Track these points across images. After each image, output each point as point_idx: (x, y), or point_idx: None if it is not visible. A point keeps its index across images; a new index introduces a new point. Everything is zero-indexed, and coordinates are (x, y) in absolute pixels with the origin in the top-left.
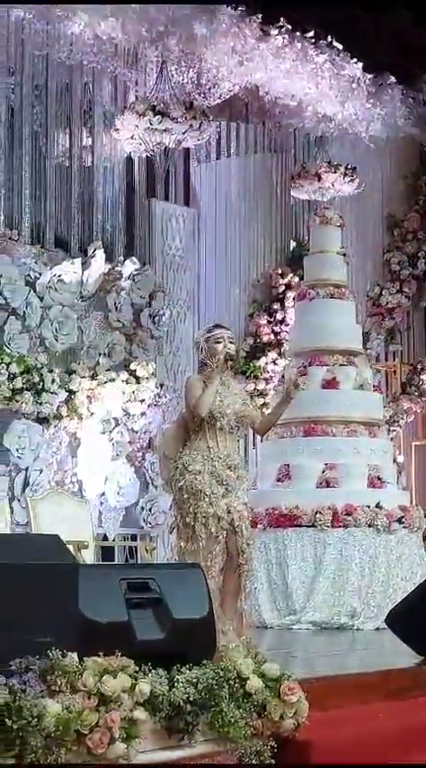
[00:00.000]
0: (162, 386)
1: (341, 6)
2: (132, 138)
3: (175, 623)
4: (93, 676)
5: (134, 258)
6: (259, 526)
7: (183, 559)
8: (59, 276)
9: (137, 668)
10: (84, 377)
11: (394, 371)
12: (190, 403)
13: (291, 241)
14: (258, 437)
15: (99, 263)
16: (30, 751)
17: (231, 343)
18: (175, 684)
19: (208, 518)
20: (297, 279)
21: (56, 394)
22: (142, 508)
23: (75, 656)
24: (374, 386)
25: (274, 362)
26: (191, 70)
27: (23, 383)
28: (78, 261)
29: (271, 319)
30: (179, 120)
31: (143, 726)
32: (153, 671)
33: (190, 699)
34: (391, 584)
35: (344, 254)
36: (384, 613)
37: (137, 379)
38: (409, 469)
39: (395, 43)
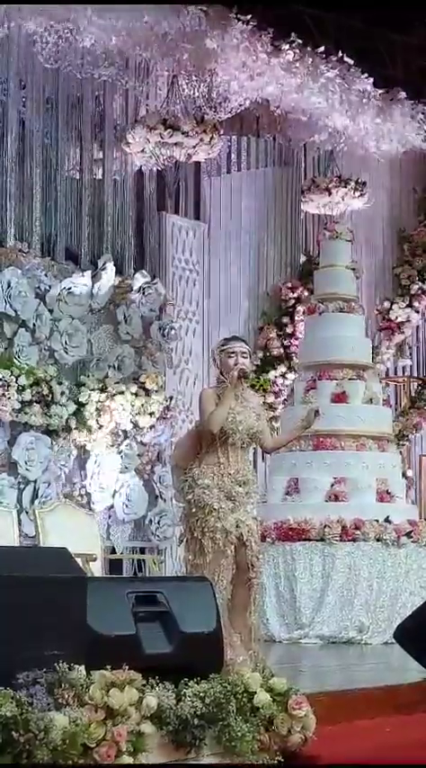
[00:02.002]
0: (171, 399)
1: (354, 19)
2: (143, 151)
3: (183, 637)
4: (100, 689)
5: (144, 271)
6: (267, 540)
7: (191, 572)
8: (69, 288)
9: (145, 682)
10: (93, 389)
11: (404, 386)
12: (203, 417)
13: (301, 255)
14: None
15: (109, 276)
16: (37, 764)
17: (244, 357)
18: (182, 698)
19: (215, 533)
20: (306, 293)
21: (65, 406)
22: (150, 521)
23: (82, 669)
24: (383, 400)
25: (283, 376)
26: (202, 84)
27: (33, 395)
28: (88, 273)
29: (281, 333)
30: (190, 133)
31: (150, 739)
32: (160, 684)
33: (198, 712)
34: (399, 598)
35: (354, 269)
36: (392, 628)
37: (147, 392)
38: (418, 484)
39: (406, 58)
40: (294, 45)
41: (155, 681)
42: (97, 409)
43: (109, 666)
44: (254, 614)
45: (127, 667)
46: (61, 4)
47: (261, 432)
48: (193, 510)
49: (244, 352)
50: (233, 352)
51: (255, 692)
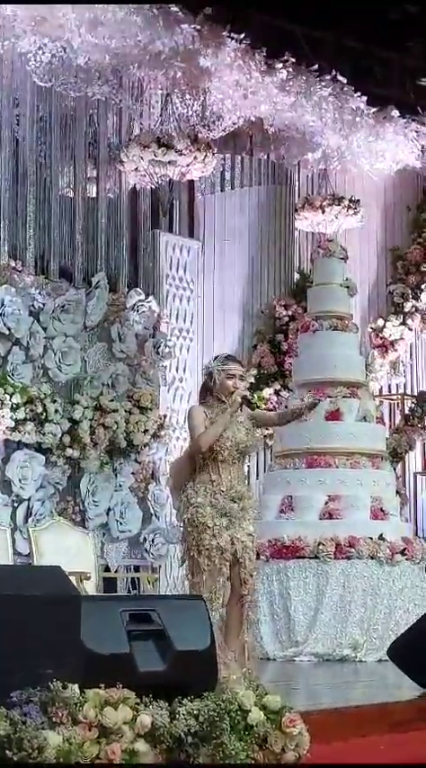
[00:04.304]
0: (165, 416)
1: (348, 39)
2: (136, 169)
3: (177, 655)
4: (94, 708)
5: (138, 289)
6: (261, 557)
7: (190, 591)
8: (63, 306)
9: (139, 700)
10: (87, 407)
11: (398, 403)
12: (193, 434)
13: (295, 273)
14: (261, 469)
15: (103, 294)
16: None
17: (242, 379)
18: (176, 716)
19: (211, 550)
20: (300, 310)
21: (59, 424)
22: (145, 539)
23: (76, 687)
24: (377, 418)
25: (278, 393)
26: (196, 103)
27: (26, 413)
28: (82, 291)
29: (275, 350)
30: (183, 152)
31: (144, 758)
32: (154, 703)
33: (192, 731)
34: (393, 616)
35: (348, 287)
36: (386, 645)
37: (141, 410)
38: (412, 501)
39: (399, 77)
40: (287, 64)
41: (149, 699)
42: (91, 427)
43: (102, 685)
44: (248, 632)
45: (121, 685)
46: (55, 23)
47: (251, 446)
48: (189, 529)
49: (242, 375)
50: (233, 374)
51: (249, 710)
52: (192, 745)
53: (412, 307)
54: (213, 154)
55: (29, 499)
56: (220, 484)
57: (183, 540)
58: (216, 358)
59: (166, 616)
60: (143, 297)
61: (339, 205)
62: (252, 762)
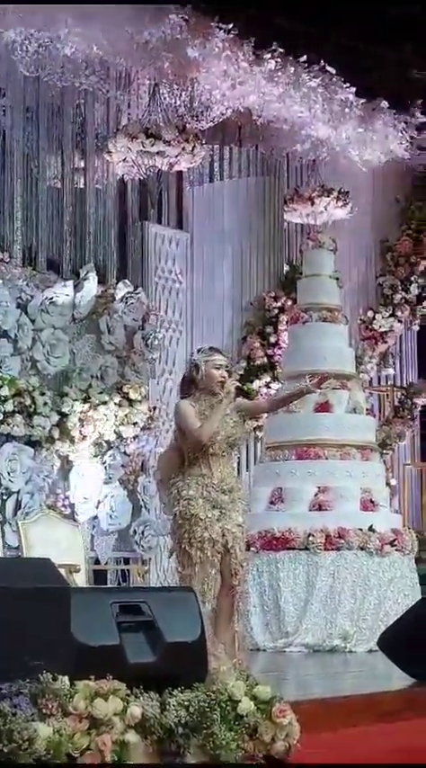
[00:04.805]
0: (154, 409)
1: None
2: (125, 160)
3: (167, 646)
4: (84, 699)
5: (127, 281)
6: (252, 549)
7: (181, 584)
8: (51, 299)
9: (129, 691)
10: (76, 400)
11: (387, 395)
12: (186, 429)
13: (284, 264)
14: (251, 461)
15: (91, 286)
16: None
17: (227, 370)
18: (167, 707)
19: (203, 543)
20: (290, 302)
21: (47, 417)
22: (135, 531)
23: (66, 679)
24: (367, 409)
25: (268, 386)
26: (184, 93)
27: (15, 406)
28: (70, 283)
29: (265, 342)
30: (172, 142)
31: (134, 749)
32: (144, 694)
33: (182, 721)
34: (383, 606)
35: (337, 278)
36: (376, 636)
37: (130, 402)
38: (401, 492)
39: (388, 69)
40: (276, 54)
41: (140, 690)
42: (80, 420)
43: (93, 676)
44: (239, 623)
45: (111, 677)
46: (42, 13)
47: (240, 438)
48: (180, 522)
49: (228, 366)
50: (219, 365)
51: (239, 701)
52: (183, 735)
53: (402, 298)
54: (201, 144)
55: (18, 492)
56: (211, 477)
57: (174, 532)
58: (200, 350)
59: (156, 608)
60: (132, 289)
61: (328, 196)
62: (243, 752)
